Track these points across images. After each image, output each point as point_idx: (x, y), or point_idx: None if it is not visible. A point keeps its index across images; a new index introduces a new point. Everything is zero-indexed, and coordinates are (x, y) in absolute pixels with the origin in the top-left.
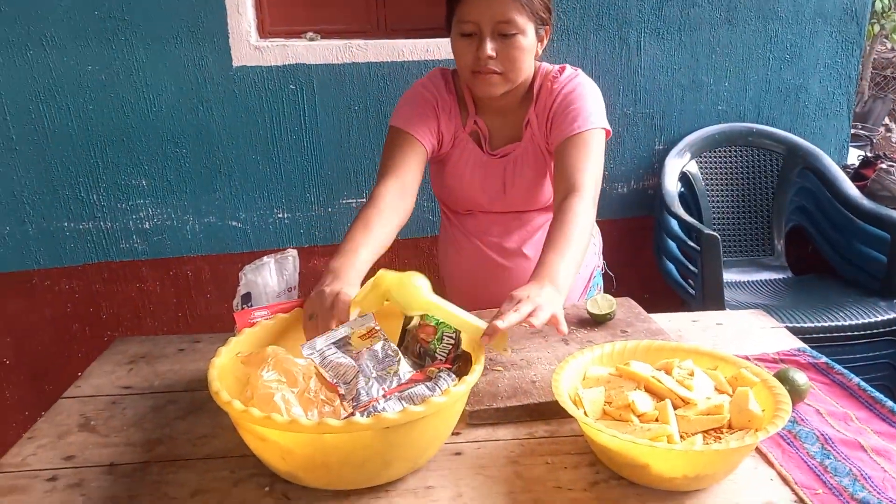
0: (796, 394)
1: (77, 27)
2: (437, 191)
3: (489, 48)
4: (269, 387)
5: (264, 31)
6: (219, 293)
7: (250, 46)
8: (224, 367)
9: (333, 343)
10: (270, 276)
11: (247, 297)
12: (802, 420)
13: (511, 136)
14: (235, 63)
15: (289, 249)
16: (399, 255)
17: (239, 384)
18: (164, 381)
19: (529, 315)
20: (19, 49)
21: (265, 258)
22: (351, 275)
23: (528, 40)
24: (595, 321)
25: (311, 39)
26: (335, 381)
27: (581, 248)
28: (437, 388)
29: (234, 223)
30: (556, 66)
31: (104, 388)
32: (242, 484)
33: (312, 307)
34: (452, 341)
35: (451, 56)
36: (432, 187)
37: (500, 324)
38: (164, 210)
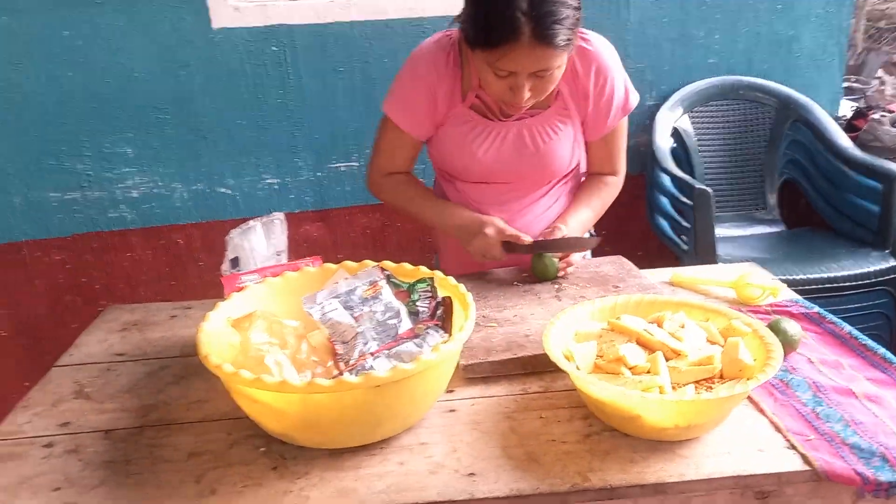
0: (788, 343)
1: None
2: (437, 162)
3: (527, 93)
4: (259, 349)
5: None
6: (211, 260)
7: (229, 7)
8: (215, 331)
9: (336, 297)
10: (258, 239)
11: (235, 262)
12: (794, 369)
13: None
14: (215, 25)
15: (275, 213)
16: (392, 220)
17: (232, 349)
18: (157, 347)
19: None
20: None
21: (251, 222)
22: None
23: (564, 62)
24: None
25: None
26: (333, 339)
27: (597, 215)
28: (424, 343)
29: (222, 190)
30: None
31: (97, 356)
32: (238, 445)
33: (482, 250)
34: (429, 292)
35: (438, 13)
36: (430, 157)
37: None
38: (150, 178)
